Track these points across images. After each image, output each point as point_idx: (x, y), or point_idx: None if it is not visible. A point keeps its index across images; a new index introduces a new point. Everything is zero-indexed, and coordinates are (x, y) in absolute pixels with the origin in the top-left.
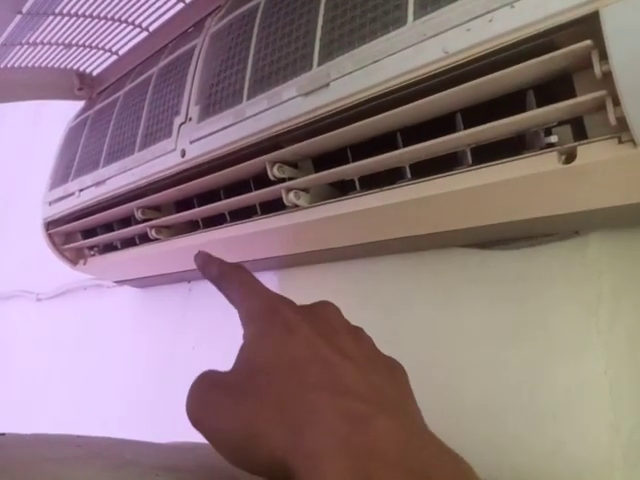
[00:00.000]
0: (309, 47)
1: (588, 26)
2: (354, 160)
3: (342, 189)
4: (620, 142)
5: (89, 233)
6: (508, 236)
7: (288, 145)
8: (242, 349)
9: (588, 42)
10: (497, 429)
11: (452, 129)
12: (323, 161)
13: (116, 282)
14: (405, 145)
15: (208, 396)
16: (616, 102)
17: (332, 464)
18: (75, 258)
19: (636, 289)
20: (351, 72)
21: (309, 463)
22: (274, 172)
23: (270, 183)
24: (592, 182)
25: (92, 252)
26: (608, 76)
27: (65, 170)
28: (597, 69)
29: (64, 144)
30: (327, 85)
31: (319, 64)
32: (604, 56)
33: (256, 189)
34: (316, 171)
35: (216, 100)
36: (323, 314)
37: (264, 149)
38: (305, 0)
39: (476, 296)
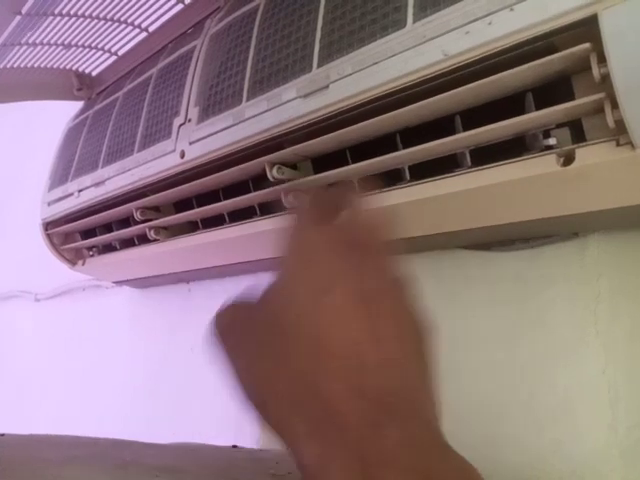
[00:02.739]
0: (308, 49)
1: (587, 29)
2: (354, 161)
3: None
4: (618, 144)
5: (88, 233)
6: (508, 237)
7: (287, 146)
8: (276, 286)
9: (587, 45)
10: (497, 428)
11: (451, 131)
12: (322, 162)
13: (115, 282)
14: (404, 146)
15: (231, 332)
16: (614, 105)
17: (339, 474)
18: (74, 258)
19: (634, 290)
20: (350, 74)
21: (314, 469)
22: (273, 173)
23: (269, 184)
24: (591, 184)
25: (91, 252)
26: (606, 79)
27: (64, 171)
28: (596, 72)
29: (63, 144)
30: (327, 87)
31: (318, 66)
32: (602, 59)
33: (255, 190)
34: (315, 172)
35: (216, 101)
36: (371, 266)
37: (263, 150)
38: (305, 2)
39: (476, 296)
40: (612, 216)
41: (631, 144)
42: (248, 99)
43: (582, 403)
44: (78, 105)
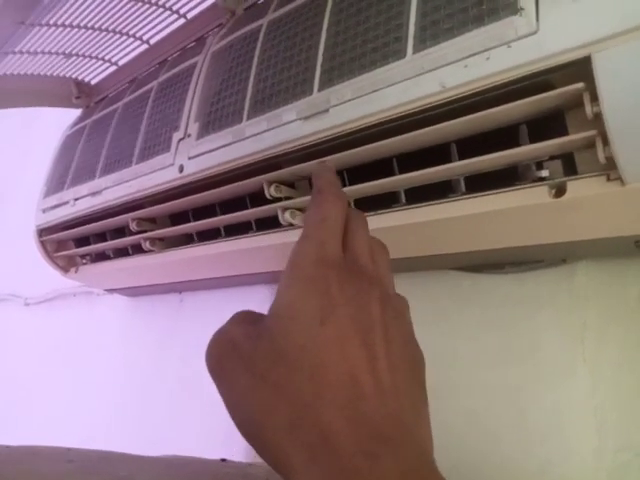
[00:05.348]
0: (310, 72)
1: (581, 69)
2: (351, 183)
3: None
4: (608, 179)
5: (82, 241)
6: (499, 261)
7: (286, 166)
8: (276, 307)
9: (580, 84)
10: (487, 448)
11: (447, 158)
12: None
13: (106, 290)
14: (401, 171)
15: (227, 360)
16: (605, 141)
17: None
18: (67, 265)
19: (621, 318)
20: (350, 99)
21: None
22: (271, 192)
23: (266, 201)
24: (580, 215)
25: (84, 260)
26: (598, 117)
27: (60, 178)
28: (588, 110)
29: (60, 152)
30: (327, 111)
31: (319, 89)
32: (595, 98)
33: (252, 206)
34: None
35: (216, 118)
36: (369, 292)
37: (262, 169)
38: (307, 25)
39: (467, 317)
40: (600, 245)
41: (620, 179)
42: (249, 118)
43: (570, 426)
44: (74, 112)
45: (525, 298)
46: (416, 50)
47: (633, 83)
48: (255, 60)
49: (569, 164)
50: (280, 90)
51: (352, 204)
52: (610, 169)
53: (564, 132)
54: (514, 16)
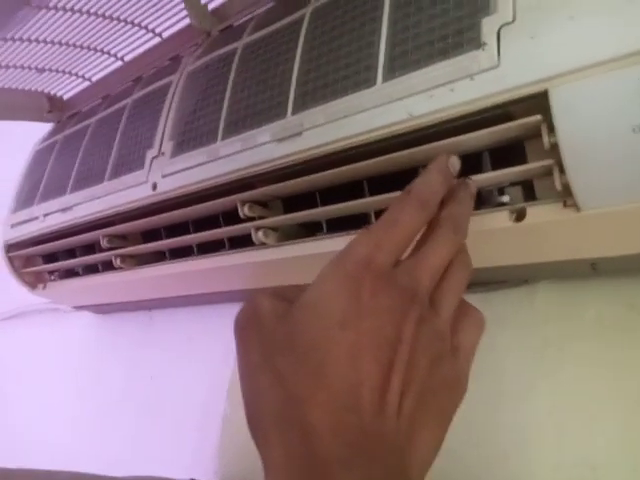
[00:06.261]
0: (284, 96)
1: (539, 102)
2: (322, 204)
3: (310, 229)
4: (565, 206)
5: (50, 257)
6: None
7: (260, 186)
8: (307, 294)
9: (538, 117)
10: (450, 467)
11: None
12: (293, 201)
13: (75, 307)
14: (372, 193)
15: (249, 330)
16: (562, 170)
17: None
18: (34, 282)
19: (578, 336)
20: (323, 124)
21: None
22: (245, 211)
23: (240, 219)
24: (539, 239)
25: (52, 277)
26: (555, 147)
27: (30, 193)
28: (545, 141)
29: (30, 167)
30: (300, 134)
31: (293, 113)
32: (552, 129)
33: (225, 224)
34: (285, 211)
35: (190, 137)
36: (406, 310)
37: (236, 189)
38: (281, 51)
39: None
40: (559, 267)
41: (576, 206)
42: (223, 138)
43: (531, 443)
44: (44, 126)
45: (491, 317)
46: (385, 79)
47: (586, 117)
48: (230, 82)
49: (529, 190)
50: (255, 112)
51: (324, 224)
52: (566, 196)
53: (524, 160)
54: (477, 50)
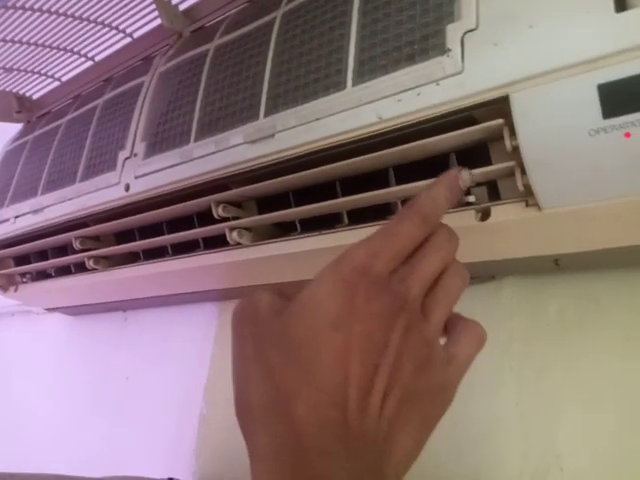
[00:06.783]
0: (256, 98)
1: (501, 106)
2: (296, 204)
3: (284, 229)
4: (527, 205)
5: (22, 259)
6: None
7: (234, 187)
8: (305, 293)
9: (500, 121)
10: (423, 457)
11: (386, 183)
12: (267, 202)
13: (47, 309)
14: (344, 194)
15: (245, 323)
16: (523, 171)
17: None
18: (6, 284)
19: (543, 329)
20: (294, 126)
21: None
22: (219, 212)
23: (214, 220)
24: (504, 237)
25: (24, 279)
26: (517, 149)
27: (0, 195)
28: (507, 143)
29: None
30: (272, 136)
31: (265, 115)
32: (514, 132)
33: (200, 225)
34: (259, 212)
35: (163, 138)
36: (395, 316)
37: (210, 190)
38: (253, 53)
39: None
40: (524, 263)
41: (537, 205)
42: (196, 140)
43: (498, 433)
44: (14, 127)
45: (461, 311)
46: (355, 83)
47: (545, 121)
48: (202, 83)
49: (493, 190)
50: (227, 114)
51: (298, 224)
52: (528, 196)
53: (488, 161)
54: (442, 56)
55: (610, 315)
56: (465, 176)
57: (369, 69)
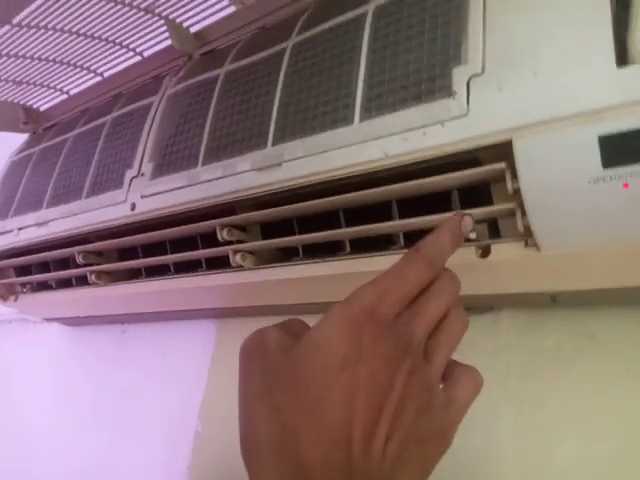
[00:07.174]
0: (265, 126)
1: (504, 149)
2: (300, 231)
3: (287, 253)
4: (526, 245)
5: (23, 270)
6: None
7: (239, 212)
8: (314, 332)
9: (503, 164)
10: None
11: (389, 215)
12: (271, 227)
13: (45, 319)
14: (347, 223)
15: (253, 359)
16: (524, 213)
17: None
18: (6, 294)
19: (538, 364)
20: (301, 157)
21: None
22: (224, 235)
23: (218, 242)
24: (503, 274)
25: (24, 289)
26: (518, 192)
27: (4, 206)
28: (509, 186)
29: (4, 178)
30: (279, 165)
31: (273, 144)
32: (515, 175)
33: (203, 246)
34: (263, 236)
35: (171, 160)
36: (400, 360)
37: (215, 213)
38: (263, 82)
39: None
40: (521, 298)
41: (536, 246)
42: (204, 164)
43: (492, 465)
44: (20, 136)
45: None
46: (362, 119)
47: (546, 167)
48: (212, 108)
49: (494, 228)
50: (235, 140)
51: (301, 249)
52: (528, 236)
53: (490, 200)
54: (448, 98)
55: (606, 349)
56: (467, 221)
57: (376, 105)
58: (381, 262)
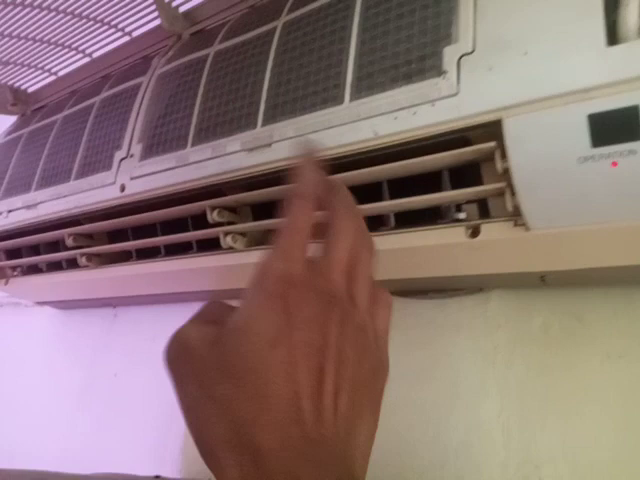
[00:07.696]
0: (254, 106)
1: (494, 129)
2: None
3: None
4: (515, 225)
5: (13, 253)
6: (423, 288)
7: (229, 194)
8: (235, 318)
9: (492, 143)
10: (407, 462)
11: (380, 196)
12: (262, 208)
13: (36, 302)
14: None
15: (181, 364)
16: (513, 193)
17: None
18: None
19: (526, 343)
20: (292, 137)
21: None
22: (214, 216)
23: (208, 223)
24: (492, 253)
25: (15, 272)
26: (507, 171)
27: None
28: (498, 165)
29: None
30: (269, 145)
31: (263, 124)
32: (505, 155)
33: (194, 228)
34: (255, 217)
35: (160, 141)
36: (328, 313)
37: (205, 194)
38: (252, 61)
39: (393, 338)
40: (511, 278)
41: (525, 226)
42: (193, 145)
43: (479, 443)
44: (8, 118)
45: (446, 322)
46: (353, 98)
47: (535, 147)
48: (201, 88)
49: (483, 208)
50: (225, 121)
51: None
52: (516, 216)
53: (479, 181)
54: (438, 78)
55: (593, 331)
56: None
57: (367, 85)
58: None
